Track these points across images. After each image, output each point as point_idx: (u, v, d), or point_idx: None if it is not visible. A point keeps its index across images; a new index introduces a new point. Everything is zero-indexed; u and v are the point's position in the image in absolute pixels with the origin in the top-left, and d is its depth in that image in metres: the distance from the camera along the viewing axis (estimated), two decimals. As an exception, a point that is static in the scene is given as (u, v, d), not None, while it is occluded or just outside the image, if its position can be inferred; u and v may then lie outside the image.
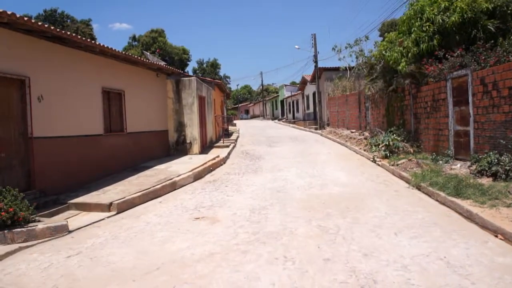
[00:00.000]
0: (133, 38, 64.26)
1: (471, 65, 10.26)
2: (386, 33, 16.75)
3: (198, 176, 11.87)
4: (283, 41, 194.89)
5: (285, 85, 57.37)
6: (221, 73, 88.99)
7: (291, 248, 5.51)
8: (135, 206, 8.70)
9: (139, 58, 13.84)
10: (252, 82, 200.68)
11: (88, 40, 10.17)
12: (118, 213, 8.16)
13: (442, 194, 7.81)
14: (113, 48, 11.06)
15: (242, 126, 39.55)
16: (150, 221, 7.45)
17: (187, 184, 10.97)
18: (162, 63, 18.30)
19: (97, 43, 10.52)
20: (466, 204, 6.90)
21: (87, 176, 10.33)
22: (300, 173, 12.03)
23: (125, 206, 8.49)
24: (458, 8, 11.64)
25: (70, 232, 6.85)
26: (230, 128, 33.71)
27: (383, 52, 14.41)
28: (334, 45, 47.51)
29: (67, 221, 7.07)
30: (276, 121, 54.16)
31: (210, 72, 79.18)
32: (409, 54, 12.90)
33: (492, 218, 6.02)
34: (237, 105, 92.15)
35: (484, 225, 6.02)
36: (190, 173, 11.63)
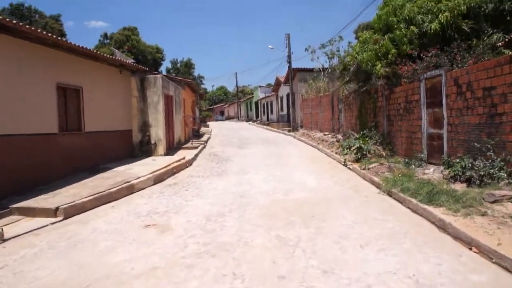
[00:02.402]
0: (105, 36, 62.56)
1: (446, 66, 9.89)
2: (360, 32, 16.37)
3: (159, 178, 11.16)
4: (258, 41, 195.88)
5: (260, 86, 56.91)
6: (196, 73, 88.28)
7: (243, 262, 4.89)
8: (85, 211, 7.94)
9: (99, 53, 13.02)
10: (228, 83, 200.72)
11: (39, 30, 9.31)
12: (64, 218, 7.41)
13: (414, 201, 7.32)
14: (68, 41, 10.30)
15: (215, 127, 38.89)
16: (98, 228, 6.75)
17: (146, 188, 10.24)
18: (131, 61, 17.53)
19: (49, 34, 9.66)
20: (438, 212, 6.42)
21: (39, 178, 9.54)
22: (267, 176, 11.46)
23: (73, 211, 7.73)
24: (442, 16, 11.40)
25: (4, 240, 6.12)
26: (203, 129, 33.13)
27: (356, 55, 14.08)
28: (307, 45, 47.21)
29: (2, 228, 6.31)
30: (251, 122, 53.64)
31: (184, 72, 78.16)
32: (389, 55, 12.50)
33: (466, 228, 5.54)
34: (212, 106, 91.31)
35: (458, 236, 5.53)
36: (151, 175, 10.92)
